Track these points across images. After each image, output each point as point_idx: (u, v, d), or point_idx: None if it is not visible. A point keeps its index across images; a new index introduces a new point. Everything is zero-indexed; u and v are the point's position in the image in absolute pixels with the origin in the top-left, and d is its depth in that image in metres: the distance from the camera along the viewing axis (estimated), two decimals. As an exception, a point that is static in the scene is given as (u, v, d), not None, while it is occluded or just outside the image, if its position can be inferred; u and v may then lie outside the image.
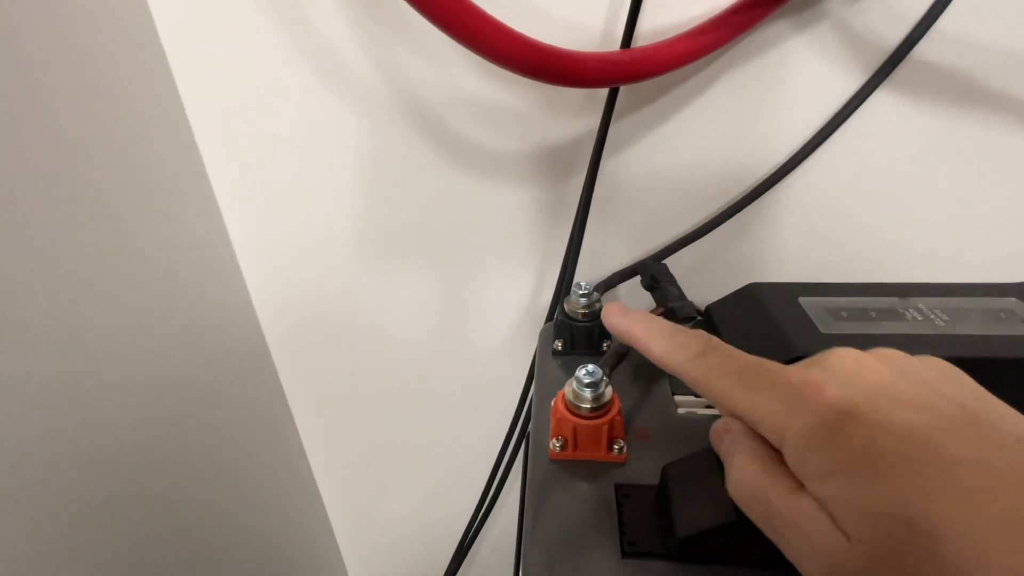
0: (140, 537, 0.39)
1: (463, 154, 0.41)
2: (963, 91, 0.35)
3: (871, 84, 0.35)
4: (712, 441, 0.21)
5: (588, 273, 0.44)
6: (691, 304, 0.34)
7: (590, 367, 0.26)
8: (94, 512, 0.34)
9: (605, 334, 0.34)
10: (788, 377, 0.18)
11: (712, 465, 0.23)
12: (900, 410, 0.16)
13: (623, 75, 0.29)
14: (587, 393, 0.26)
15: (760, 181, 0.38)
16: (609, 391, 0.26)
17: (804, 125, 0.37)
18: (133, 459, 0.38)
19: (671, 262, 0.42)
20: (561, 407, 0.27)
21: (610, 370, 0.27)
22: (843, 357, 0.19)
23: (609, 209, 0.42)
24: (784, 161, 0.37)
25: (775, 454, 0.18)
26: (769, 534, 0.18)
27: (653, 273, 0.33)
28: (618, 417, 0.26)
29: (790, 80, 0.36)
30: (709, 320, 0.33)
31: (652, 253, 0.39)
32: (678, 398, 0.30)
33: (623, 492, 0.25)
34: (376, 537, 0.68)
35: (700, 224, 0.38)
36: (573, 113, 0.38)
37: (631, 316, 0.23)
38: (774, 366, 0.19)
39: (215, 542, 0.47)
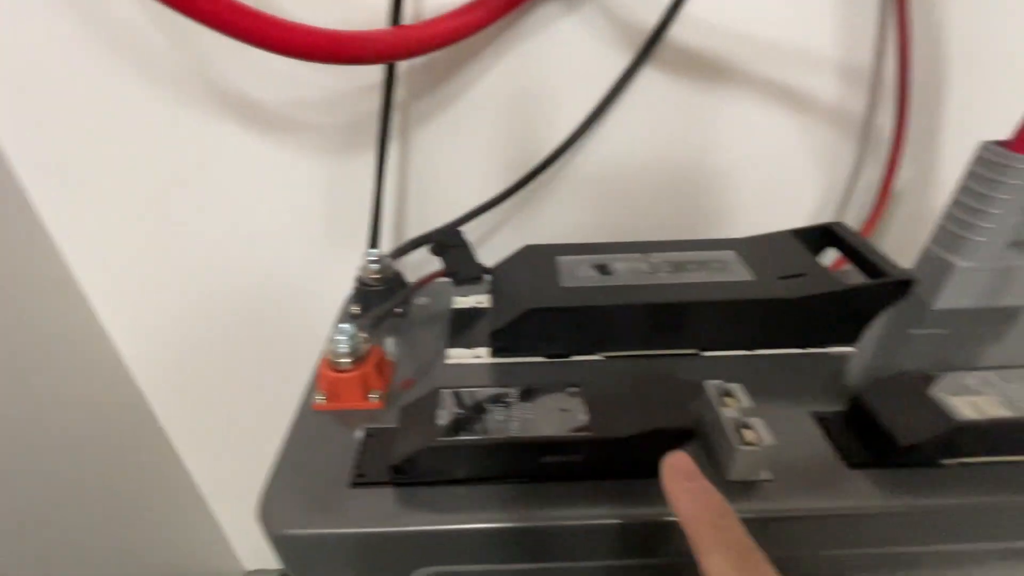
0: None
1: (279, 134, 0.42)
2: (713, 68, 0.40)
3: (637, 62, 0.39)
4: None
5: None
6: (478, 266, 0.37)
7: (345, 326, 0.29)
8: None
9: (410, 295, 0.37)
10: None
11: (432, 402, 0.26)
12: None
13: (373, 53, 0.31)
14: (342, 349, 0.29)
15: (549, 153, 0.41)
16: (366, 347, 0.29)
17: (584, 100, 0.40)
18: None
19: (480, 225, 0.45)
20: (323, 364, 0.29)
21: (371, 328, 0.30)
22: None
23: (425, 179, 0.44)
24: (569, 134, 0.41)
25: None
26: None
27: (440, 240, 0.36)
28: (373, 370, 0.29)
29: (567, 58, 0.39)
30: (494, 278, 0.37)
31: (456, 219, 0.42)
32: (450, 351, 0.34)
33: (370, 434, 0.28)
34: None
35: (497, 194, 0.41)
36: (373, 89, 0.40)
37: (701, 505, 0.20)
38: None
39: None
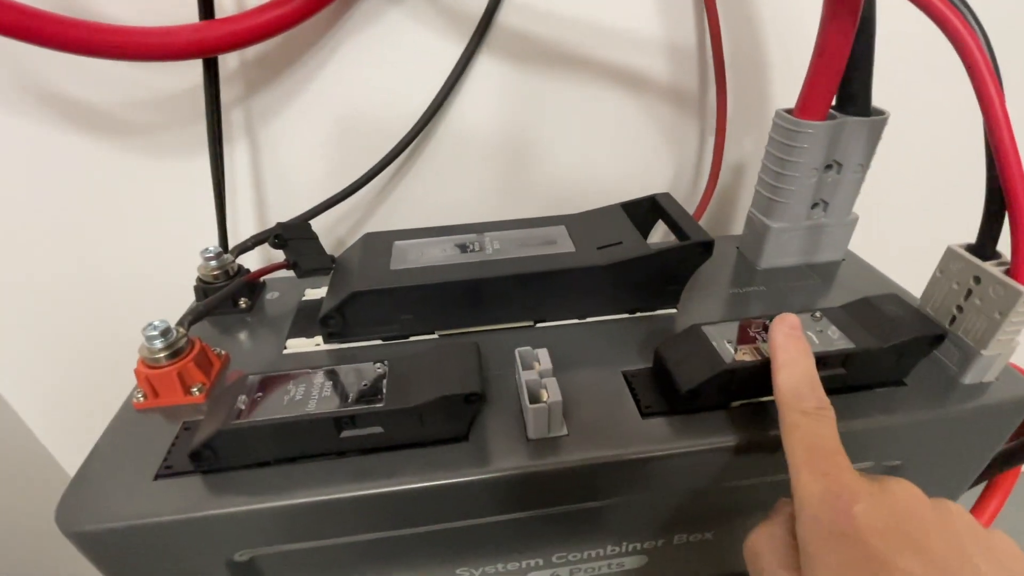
0: None
1: (119, 137, 0.41)
2: (548, 52, 0.41)
3: (470, 48, 0.40)
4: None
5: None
6: (325, 257, 0.37)
7: (156, 322, 0.29)
8: None
9: (242, 293, 0.37)
10: (839, 475, 0.20)
11: (237, 388, 0.26)
12: (907, 558, 0.18)
13: (170, 49, 0.31)
14: (154, 344, 0.28)
15: (399, 140, 0.42)
16: (183, 341, 0.29)
17: (427, 88, 0.41)
18: None
19: (347, 217, 0.46)
20: (139, 361, 0.29)
21: (188, 325, 0.30)
22: (903, 489, 0.20)
23: (280, 175, 0.44)
24: (416, 120, 0.42)
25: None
26: None
27: (280, 233, 0.36)
28: (192, 364, 0.29)
29: (403, 48, 0.40)
30: (335, 268, 0.37)
31: (304, 212, 0.42)
32: (290, 341, 0.34)
33: (186, 427, 0.28)
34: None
35: (346, 187, 0.41)
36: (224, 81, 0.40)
37: (790, 340, 0.25)
38: (842, 461, 0.21)
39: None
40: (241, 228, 0.46)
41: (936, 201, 0.54)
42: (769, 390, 0.28)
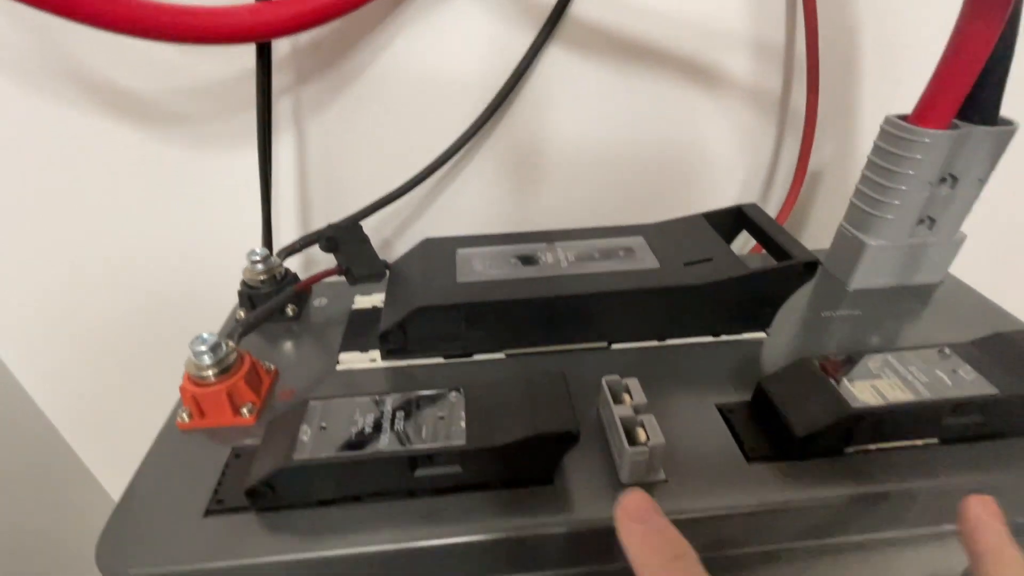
0: None
1: (160, 127, 0.38)
2: (622, 45, 0.38)
3: (541, 38, 0.36)
4: None
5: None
6: (378, 262, 0.34)
7: (205, 335, 0.26)
8: None
9: (290, 300, 0.34)
10: None
11: (298, 416, 0.24)
12: None
13: (224, 32, 0.28)
14: (203, 361, 0.26)
15: (457, 136, 0.39)
16: (233, 356, 0.27)
17: (491, 80, 0.38)
18: None
19: (394, 217, 0.43)
20: (185, 377, 0.26)
21: (238, 338, 0.27)
22: None
23: (328, 170, 0.41)
24: (476, 118, 0.39)
25: None
26: None
27: (331, 235, 0.33)
28: (243, 382, 0.27)
29: (469, 36, 0.37)
30: (391, 275, 0.34)
31: (355, 213, 0.39)
32: (342, 355, 0.31)
33: (236, 453, 0.25)
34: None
35: (401, 184, 0.38)
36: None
37: (991, 531, 0.19)
38: None
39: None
40: (283, 225, 0.43)
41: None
42: (895, 435, 0.25)
